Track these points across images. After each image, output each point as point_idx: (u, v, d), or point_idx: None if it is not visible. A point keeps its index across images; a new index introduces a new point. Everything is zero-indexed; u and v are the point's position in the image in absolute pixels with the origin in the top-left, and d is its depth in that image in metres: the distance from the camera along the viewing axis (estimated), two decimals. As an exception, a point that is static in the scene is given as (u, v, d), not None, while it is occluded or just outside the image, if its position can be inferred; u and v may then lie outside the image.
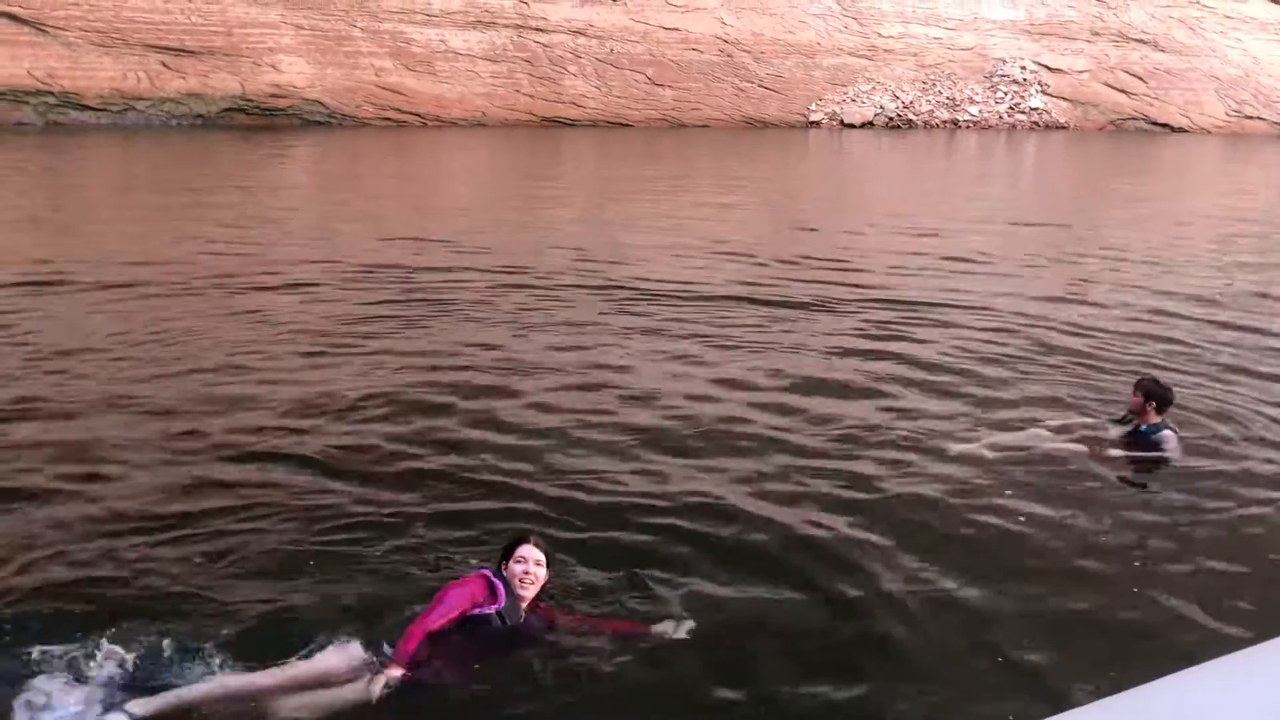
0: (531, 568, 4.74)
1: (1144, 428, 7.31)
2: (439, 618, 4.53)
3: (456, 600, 4.59)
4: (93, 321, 10.68)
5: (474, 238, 16.77)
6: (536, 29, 47.18)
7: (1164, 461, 7.23)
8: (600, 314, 11.61)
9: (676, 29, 49.29)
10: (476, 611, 4.63)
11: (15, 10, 38.73)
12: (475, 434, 7.65)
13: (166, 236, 16.17)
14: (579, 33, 47.85)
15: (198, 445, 7.30)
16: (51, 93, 39.43)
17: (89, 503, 6.32)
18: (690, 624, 4.82)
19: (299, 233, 17.74)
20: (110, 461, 7.00)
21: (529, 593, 4.75)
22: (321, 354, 9.74)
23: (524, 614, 4.73)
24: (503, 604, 4.66)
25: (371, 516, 6.11)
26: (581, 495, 6.54)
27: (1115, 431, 7.48)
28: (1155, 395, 7.30)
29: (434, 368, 9.32)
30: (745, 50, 50.54)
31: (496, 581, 4.71)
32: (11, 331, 10.13)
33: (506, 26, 46.77)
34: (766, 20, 51.09)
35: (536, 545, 4.82)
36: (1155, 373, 8.30)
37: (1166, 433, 7.28)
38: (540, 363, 9.58)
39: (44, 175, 25.61)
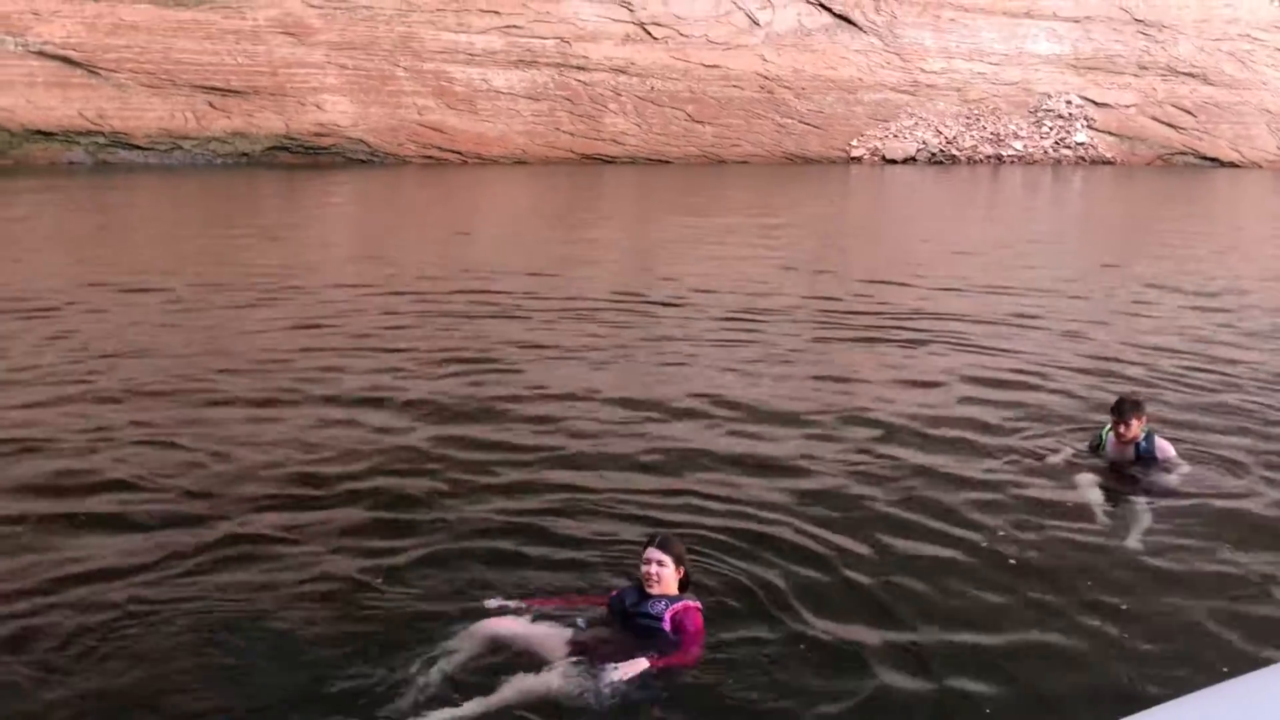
0: (653, 568, 5.12)
1: (1141, 444, 7.41)
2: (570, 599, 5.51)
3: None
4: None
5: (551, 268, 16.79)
6: (578, 67, 47.47)
7: (1172, 464, 7.43)
8: (673, 335, 12.11)
9: (717, 66, 49.36)
10: (613, 594, 5.32)
11: (69, 54, 39.64)
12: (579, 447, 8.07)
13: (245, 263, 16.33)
14: (620, 71, 48.08)
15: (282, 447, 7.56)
16: (102, 133, 40.22)
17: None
18: None
19: (357, 260, 17.84)
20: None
21: (654, 589, 5.12)
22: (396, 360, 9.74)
23: (654, 608, 5.06)
24: (622, 591, 5.26)
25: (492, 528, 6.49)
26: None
27: (1122, 453, 7.50)
28: (1139, 410, 7.47)
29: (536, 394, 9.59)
30: (786, 86, 50.47)
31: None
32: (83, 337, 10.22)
33: (548, 65, 47.10)
34: (808, 57, 51.04)
35: (660, 546, 5.18)
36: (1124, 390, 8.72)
37: (1159, 440, 7.47)
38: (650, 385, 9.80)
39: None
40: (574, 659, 4.87)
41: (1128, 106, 55.03)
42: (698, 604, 5.15)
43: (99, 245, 20.00)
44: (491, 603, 5.39)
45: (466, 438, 8.22)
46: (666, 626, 5.01)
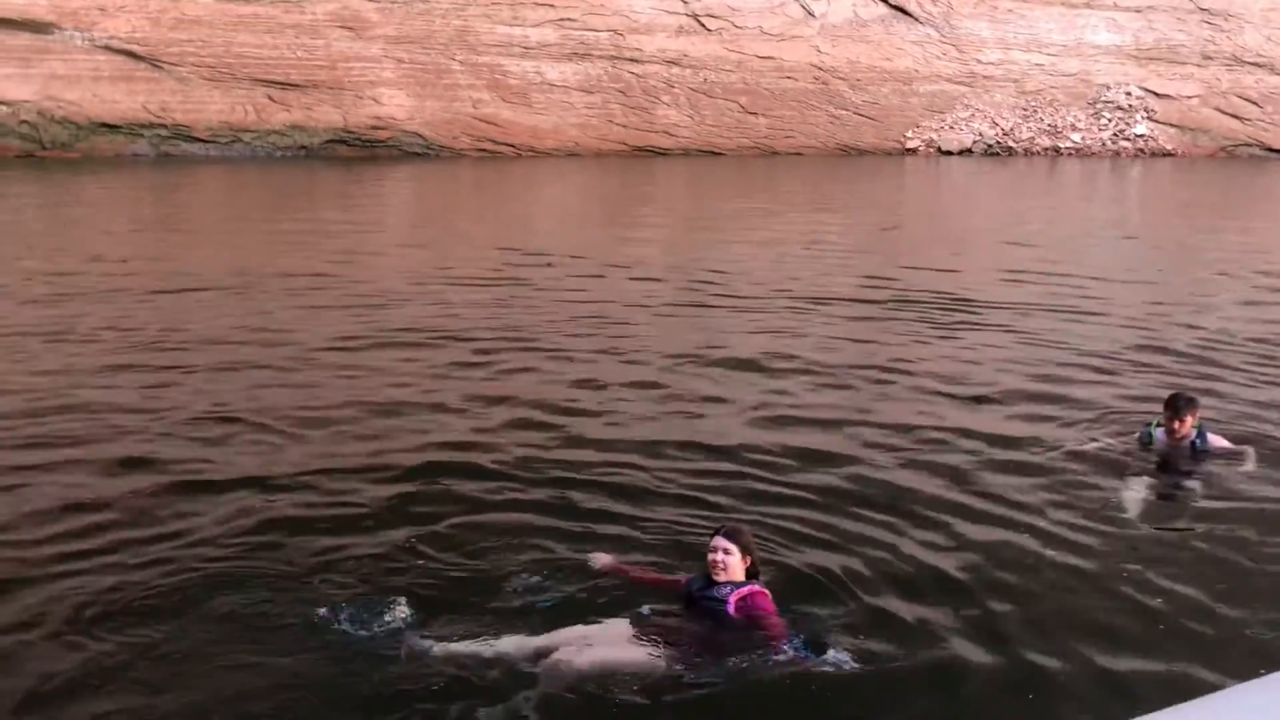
0: (719, 556, 5.12)
1: (1196, 441, 7.25)
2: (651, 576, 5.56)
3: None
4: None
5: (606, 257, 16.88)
6: (631, 60, 47.53)
7: (1226, 456, 7.28)
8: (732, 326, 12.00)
9: (771, 57, 49.15)
10: (683, 582, 5.35)
11: (134, 48, 40.44)
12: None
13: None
14: (673, 63, 48.07)
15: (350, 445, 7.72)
16: (165, 125, 41.00)
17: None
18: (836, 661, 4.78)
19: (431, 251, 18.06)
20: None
21: (720, 576, 5.13)
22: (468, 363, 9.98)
23: (719, 592, 5.07)
24: (691, 578, 5.29)
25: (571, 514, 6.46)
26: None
27: (1174, 448, 7.33)
28: (1193, 406, 7.30)
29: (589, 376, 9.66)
30: (841, 78, 50.15)
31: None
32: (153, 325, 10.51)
33: (601, 58, 47.21)
34: (863, 48, 50.65)
35: (726, 535, 5.19)
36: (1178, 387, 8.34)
37: (1211, 436, 7.31)
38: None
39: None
40: (642, 644, 4.89)
41: (1190, 98, 53.95)
42: (764, 589, 5.14)
43: (166, 233, 20.43)
44: (598, 560, 5.57)
45: (520, 417, 8.31)
46: (731, 609, 5.02)
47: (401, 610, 5.08)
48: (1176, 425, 7.22)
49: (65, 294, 12.93)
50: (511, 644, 4.89)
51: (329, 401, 8.66)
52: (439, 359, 10.11)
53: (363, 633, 4.93)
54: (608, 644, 4.87)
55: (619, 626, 5.04)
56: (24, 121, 39.04)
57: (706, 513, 6.41)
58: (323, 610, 5.08)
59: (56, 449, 7.42)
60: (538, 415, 8.36)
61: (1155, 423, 7.44)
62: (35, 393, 8.72)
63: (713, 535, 5.27)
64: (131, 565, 5.64)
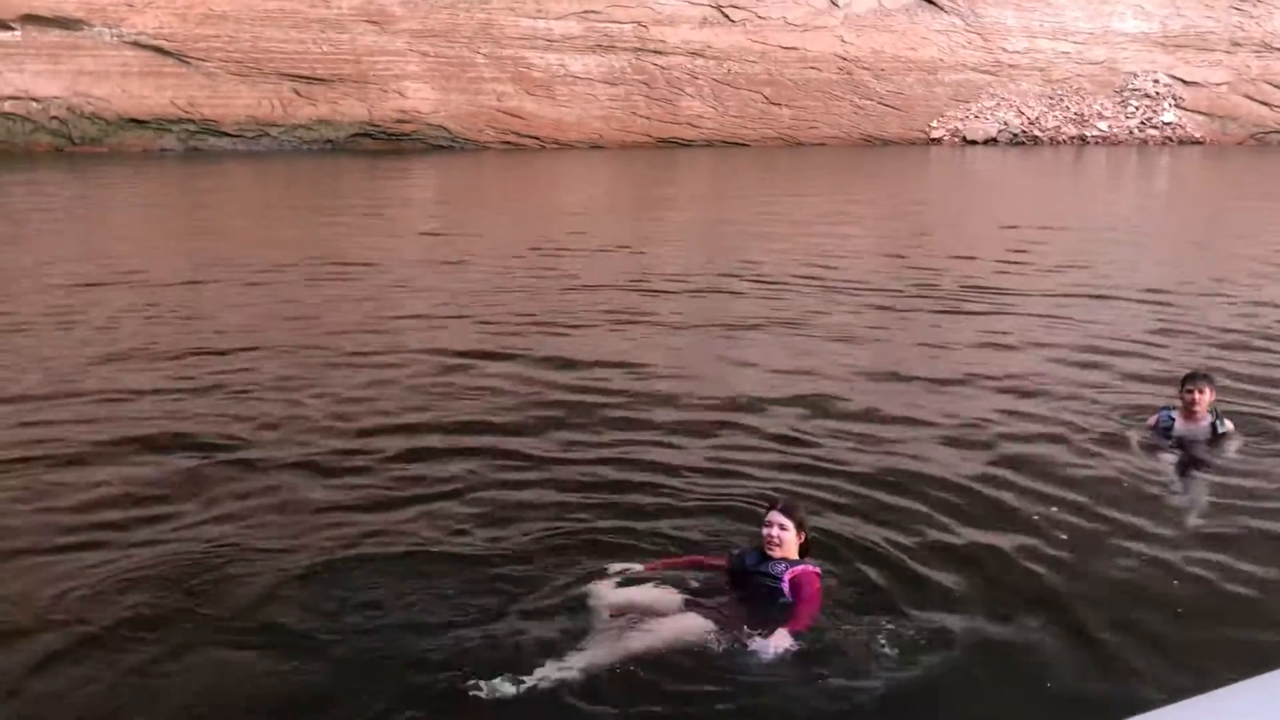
0: (775, 531, 5.13)
1: (1218, 425, 7.31)
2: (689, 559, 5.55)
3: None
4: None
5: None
6: (655, 51, 47.49)
7: (1242, 441, 7.35)
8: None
9: (795, 48, 49.01)
10: (734, 553, 5.34)
11: (162, 44, 40.74)
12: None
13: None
14: (697, 54, 47.99)
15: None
16: (193, 120, 41.27)
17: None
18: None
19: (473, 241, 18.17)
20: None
21: (775, 552, 5.13)
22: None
23: (774, 569, 5.08)
24: (743, 550, 5.30)
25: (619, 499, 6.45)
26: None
27: (1192, 431, 7.35)
28: (1210, 381, 7.36)
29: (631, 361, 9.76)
30: (865, 68, 49.95)
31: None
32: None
33: (625, 50, 47.19)
34: (888, 37, 50.43)
35: (781, 510, 5.19)
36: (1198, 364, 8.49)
37: (1227, 421, 7.37)
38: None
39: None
40: (692, 619, 4.90)
41: (1219, 84, 53.47)
42: (817, 569, 5.15)
43: (201, 225, 20.63)
44: (614, 567, 5.43)
45: (557, 400, 8.41)
46: (785, 589, 5.02)
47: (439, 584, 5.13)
48: (1196, 397, 7.26)
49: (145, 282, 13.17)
50: (557, 620, 4.91)
51: (356, 382, 8.78)
52: (465, 342, 10.24)
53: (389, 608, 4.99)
54: (659, 618, 4.89)
55: (670, 597, 5.05)
56: (54, 117, 39.41)
57: (743, 487, 6.48)
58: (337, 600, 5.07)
59: (83, 429, 7.59)
60: (567, 392, 8.51)
61: (1174, 408, 7.49)
62: (73, 375, 8.91)
63: (768, 510, 5.26)
64: (143, 547, 5.69)
